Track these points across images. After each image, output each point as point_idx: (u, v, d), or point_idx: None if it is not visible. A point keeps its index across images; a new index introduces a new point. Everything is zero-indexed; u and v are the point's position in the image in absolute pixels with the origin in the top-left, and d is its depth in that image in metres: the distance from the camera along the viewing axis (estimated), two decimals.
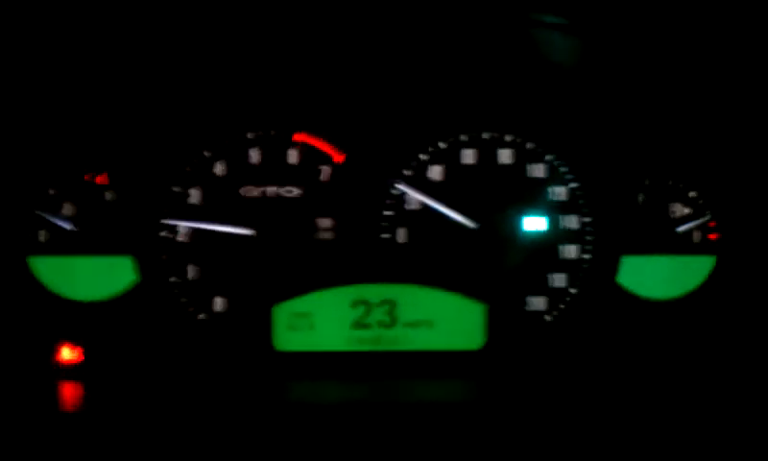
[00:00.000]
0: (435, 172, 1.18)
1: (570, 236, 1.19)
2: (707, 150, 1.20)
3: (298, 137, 1.16)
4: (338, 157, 1.17)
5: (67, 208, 1.15)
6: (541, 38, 1.10)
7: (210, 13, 1.01)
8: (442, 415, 0.98)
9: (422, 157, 1.18)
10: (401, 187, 1.17)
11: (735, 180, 1.19)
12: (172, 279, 1.15)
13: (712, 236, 1.20)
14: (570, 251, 1.19)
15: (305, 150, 1.17)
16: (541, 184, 1.18)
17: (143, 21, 1.02)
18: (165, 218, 1.15)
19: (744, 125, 1.17)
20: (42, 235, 1.14)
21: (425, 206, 1.17)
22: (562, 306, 1.19)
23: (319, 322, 1.16)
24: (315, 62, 1.13)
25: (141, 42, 1.05)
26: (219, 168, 1.16)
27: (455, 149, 1.18)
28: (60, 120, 1.14)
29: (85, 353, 1.13)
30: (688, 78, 1.14)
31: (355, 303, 1.16)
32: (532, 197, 1.18)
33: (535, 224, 1.18)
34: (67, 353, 1.13)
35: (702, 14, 1.00)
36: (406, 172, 1.17)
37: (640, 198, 1.20)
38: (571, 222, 1.19)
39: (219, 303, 1.16)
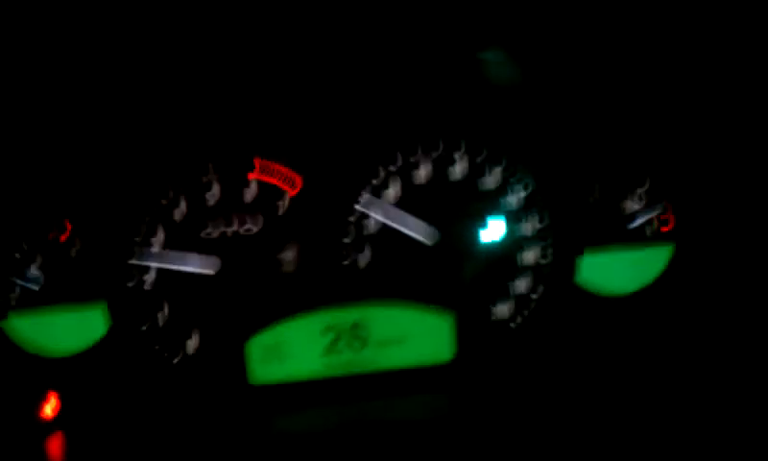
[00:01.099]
0: (390, 193, 1.20)
1: (528, 242, 1.21)
2: (657, 142, 1.22)
3: (255, 172, 1.18)
4: (292, 191, 1.18)
5: (37, 264, 1.17)
6: (486, 67, 1.12)
7: (160, 51, 1.03)
8: (419, 432, 1.01)
9: (375, 181, 1.19)
10: (363, 209, 1.19)
11: (688, 168, 1.22)
12: (143, 324, 1.17)
13: (666, 228, 1.22)
14: (529, 256, 1.21)
15: (263, 184, 1.18)
16: (496, 194, 1.20)
17: (92, 62, 1.03)
18: (132, 262, 1.16)
19: (693, 114, 1.19)
20: (13, 294, 1.16)
21: (384, 227, 1.19)
22: (525, 312, 1.21)
23: (291, 352, 1.18)
24: (266, 89, 1.15)
25: (89, 88, 1.07)
26: (180, 207, 1.17)
27: (408, 169, 1.20)
28: (18, 176, 1.15)
29: (64, 405, 1.15)
30: (634, 74, 1.16)
31: (325, 330, 1.18)
32: (487, 207, 1.20)
33: (493, 233, 1.20)
34: (48, 409, 1.15)
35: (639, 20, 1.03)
36: (362, 196, 1.19)
37: (594, 196, 1.22)
38: (528, 228, 1.21)
39: (191, 344, 1.18)
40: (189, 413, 1.15)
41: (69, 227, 1.17)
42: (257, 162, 1.17)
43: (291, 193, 1.18)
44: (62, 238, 1.17)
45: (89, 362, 1.17)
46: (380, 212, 1.18)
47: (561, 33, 1.10)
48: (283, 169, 1.18)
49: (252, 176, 1.17)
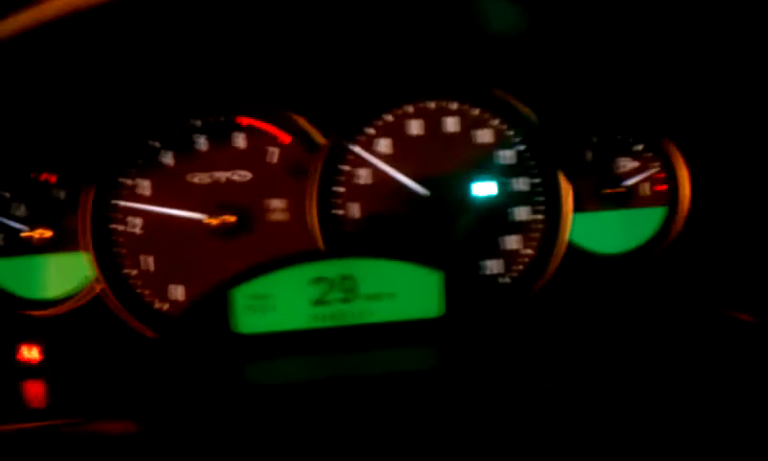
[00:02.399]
0: (383, 145, 1.19)
1: (521, 198, 1.20)
2: (651, 102, 1.21)
3: (244, 121, 1.17)
4: (285, 138, 1.18)
5: (20, 209, 1.16)
6: (481, 8, 1.11)
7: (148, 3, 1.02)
8: (407, 384, 0.99)
9: (369, 130, 1.19)
10: (357, 151, 1.18)
11: (683, 130, 1.21)
12: (128, 273, 1.16)
13: (661, 187, 1.22)
14: (522, 213, 1.20)
15: (253, 133, 1.18)
16: (489, 149, 1.20)
17: (79, 16, 1.02)
18: (117, 211, 1.15)
19: (689, 78, 1.18)
20: None
21: (376, 180, 1.18)
22: (517, 268, 1.20)
23: (279, 302, 1.16)
24: (253, 41, 1.14)
25: (78, 37, 1.06)
26: (167, 158, 1.17)
27: (401, 120, 1.19)
28: (3, 123, 1.15)
29: (46, 352, 1.13)
30: (629, 34, 1.16)
31: (314, 281, 1.17)
32: (480, 162, 1.19)
33: (485, 188, 1.20)
34: (27, 352, 1.13)
35: None
36: (354, 147, 1.19)
37: (588, 155, 1.22)
38: (521, 184, 1.20)
39: (176, 292, 1.17)
40: (174, 360, 1.13)
41: (56, 174, 1.16)
42: (249, 116, 1.17)
43: (283, 140, 1.17)
44: (48, 178, 1.16)
45: (73, 308, 1.15)
46: (376, 158, 1.18)
47: None
48: (273, 126, 1.17)
49: (242, 121, 1.16)
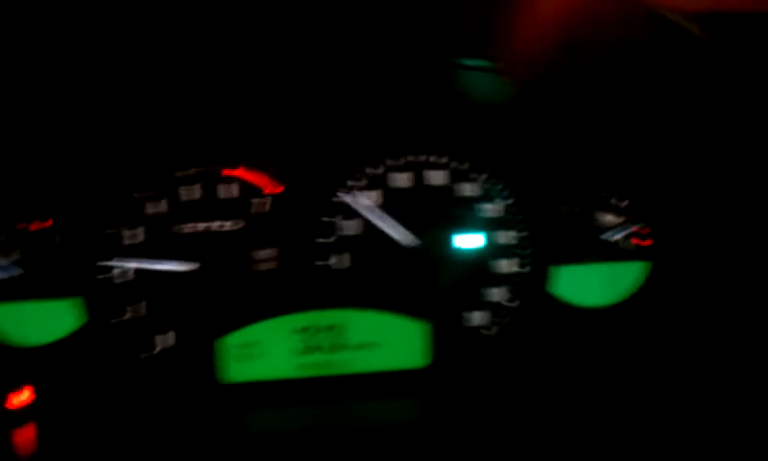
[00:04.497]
0: (371, 196, 1.21)
1: (506, 251, 1.22)
2: (636, 160, 1.24)
3: (235, 173, 1.19)
4: (273, 189, 1.20)
5: (13, 255, 1.17)
6: (464, 81, 1.15)
7: (139, 52, 1.04)
8: (392, 435, 1.00)
9: (357, 182, 1.21)
10: (348, 199, 1.20)
11: (666, 187, 1.23)
12: (118, 319, 1.17)
13: (646, 243, 1.24)
14: (507, 265, 1.22)
15: (243, 185, 1.19)
16: (475, 202, 1.22)
17: (72, 66, 1.05)
18: (107, 260, 1.17)
19: (673, 134, 1.21)
20: None
21: (363, 231, 1.20)
22: (501, 320, 1.22)
23: (266, 351, 1.18)
24: (243, 95, 1.17)
25: (70, 87, 1.08)
26: (158, 207, 1.19)
27: (387, 173, 1.21)
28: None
29: (36, 395, 1.14)
30: (614, 94, 1.18)
31: (301, 330, 1.18)
32: (466, 215, 1.21)
33: (471, 241, 1.22)
34: (17, 398, 1.14)
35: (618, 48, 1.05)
36: (342, 198, 1.21)
37: (574, 210, 1.24)
38: (506, 237, 1.22)
39: (165, 340, 1.18)
40: (160, 408, 1.14)
41: (50, 220, 1.18)
42: (237, 168, 1.19)
43: (271, 190, 1.19)
44: (42, 226, 1.17)
45: (62, 354, 1.17)
46: (364, 208, 1.19)
47: (543, 50, 1.12)
48: (262, 177, 1.19)
49: (232, 173, 1.18)
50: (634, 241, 1.24)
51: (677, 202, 1.23)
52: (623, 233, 1.23)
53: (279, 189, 1.20)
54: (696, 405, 1.03)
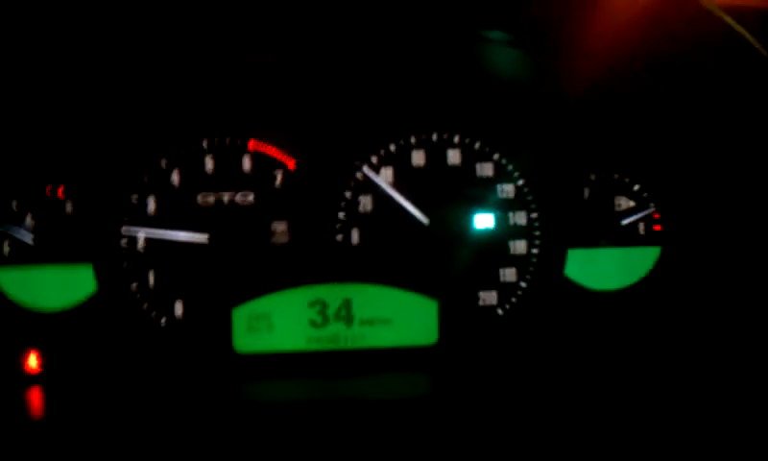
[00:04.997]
0: (386, 173, 1.21)
1: (519, 232, 1.23)
2: (650, 144, 1.24)
3: (252, 145, 1.20)
4: (291, 164, 1.20)
5: (28, 221, 1.18)
6: (486, 53, 1.14)
7: (165, 22, 1.05)
8: (399, 410, 1.01)
9: (373, 159, 1.21)
10: (367, 173, 1.20)
11: (678, 173, 1.24)
12: (131, 287, 1.18)
13: (657, 227, 1.24)
14: (519, 246, 1.23)
15: (259, 157, 1.20)
16: (490, 183, 1.22)
17: (94, 32, 1.05)
18: (123, 227, 1.18)
19: (686, 119, 1.21)
20: (4, 248, 1.17)
21: (377, 208, 1.21)
22: (512, 300, 1.22)
23: (277, 323, 1.19)
24: (265, 69, 1.17)
25: (92, 53, 1.09)
26: (174, 176, 1.19)
27: (405, 151, 1.22)
28: (17, 134, 1.17)
29: (48, 361, 1.16)
30: (630, 75, 1.18)
31: (313, 304, 1.19)
32: (481, 195, 1.22)
33: (484, 221, 1.22)
34: (32, 361, 1.15)
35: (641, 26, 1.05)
36: (358, 174, 1.21)
37: (586, 192, 1.24)
38: (519, 218, 1.23)
39: (178, 309, 1.19)
40: (171, 376, 1.15)
41: (63, 186, 1.19)
42: (256, 140, 1.19)
43: (289, 165, 1.20)
44: (58, 192, 1.18)
45: (75, 320, 1.17)
46: (380, 183, 1.20)
47: (563, 26, 1.12)
48: (280, 150, 1.20)
49: (251, 145, 1.19)
50: (645, 227, 1.24)
51: (689, 188, 1.23)
52: (635, 218, 1.24)
53: (297, 163, 1.20)
54: (704, 393, 1.03)
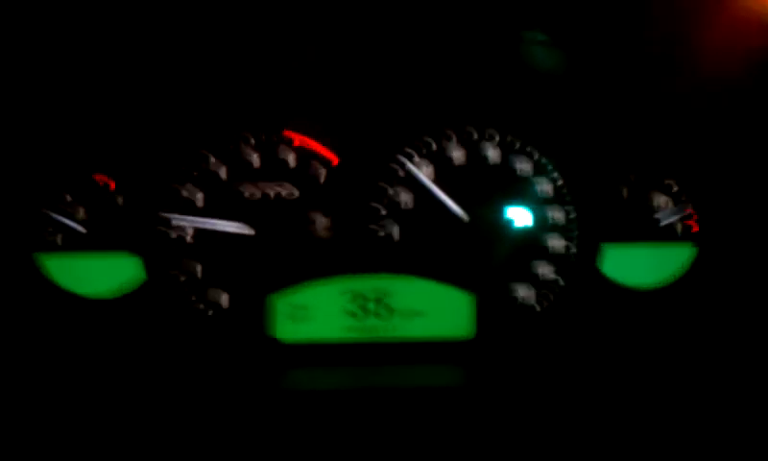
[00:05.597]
0: (425, 169, 1.23)
1: (556, 229, 1.24)
2: (687, 144, 1.24)
3: (294, 139, 1.23)
4: (335, 159, 1.23)
5: (79, 210, 1.22)
6: (527, 51, 1.16)
7: (207, 16, 1.08)
8: (434, 400, 1.03)
9: (413, 154, 1.23)
10: (409, 168, 1.23)
11: (715, 172, 1.24)
12: (176, 276, 1.22)
13: (694, 228, 1.24)
14: (556, 243, 1.24)
15: (303, 152, 1.23)
16: (527, 179, 1.24)
17: (143, 26, 1.08)
18: (169, 217, 1.22)
19: (723, 119, 1.21)
20: (54, 235, 1.21)
21: (418, 203, 1.23)
22: (549, 297, 1.24)
23: (318, 313, 1.22)
24: (307, 64, 1.19)
25: (141, 47, 1.12)
26: (220, 169, 1.23)
27: (444, 146, 1.24)
28: (66, 126, 1.21)
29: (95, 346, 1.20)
30: (669, 76, 1.19)
31: (351, 295, 1.22)
32: (518, 191, 1.24)
33: (521, 217, 1.24)
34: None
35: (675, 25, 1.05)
36: (400, 171, 1.23)
37: (624, 191, 1.25)
38: (556, 215, 1.24)
39: (221, 298, 1.23)
40: (214, 363, 1.19)
41: (115, 180, 1.23)
42: (299, 134, 1.22)
43: (332, 160, 1.23)
44: (107, 182, 1.22)
45: (122, 307, 1.21)
46: (419, 177, 1.22)
47: (602, 25, 1.12)
48: (321, 143, 1.23)
49: (296, 141, 1.22)
50: (683, 225, 1.24)
51: (727, 189, 1.23)
52: (671, 218, 1.24)
53: (338, 156, 1.23)
54: (736, 392, 1.04)
